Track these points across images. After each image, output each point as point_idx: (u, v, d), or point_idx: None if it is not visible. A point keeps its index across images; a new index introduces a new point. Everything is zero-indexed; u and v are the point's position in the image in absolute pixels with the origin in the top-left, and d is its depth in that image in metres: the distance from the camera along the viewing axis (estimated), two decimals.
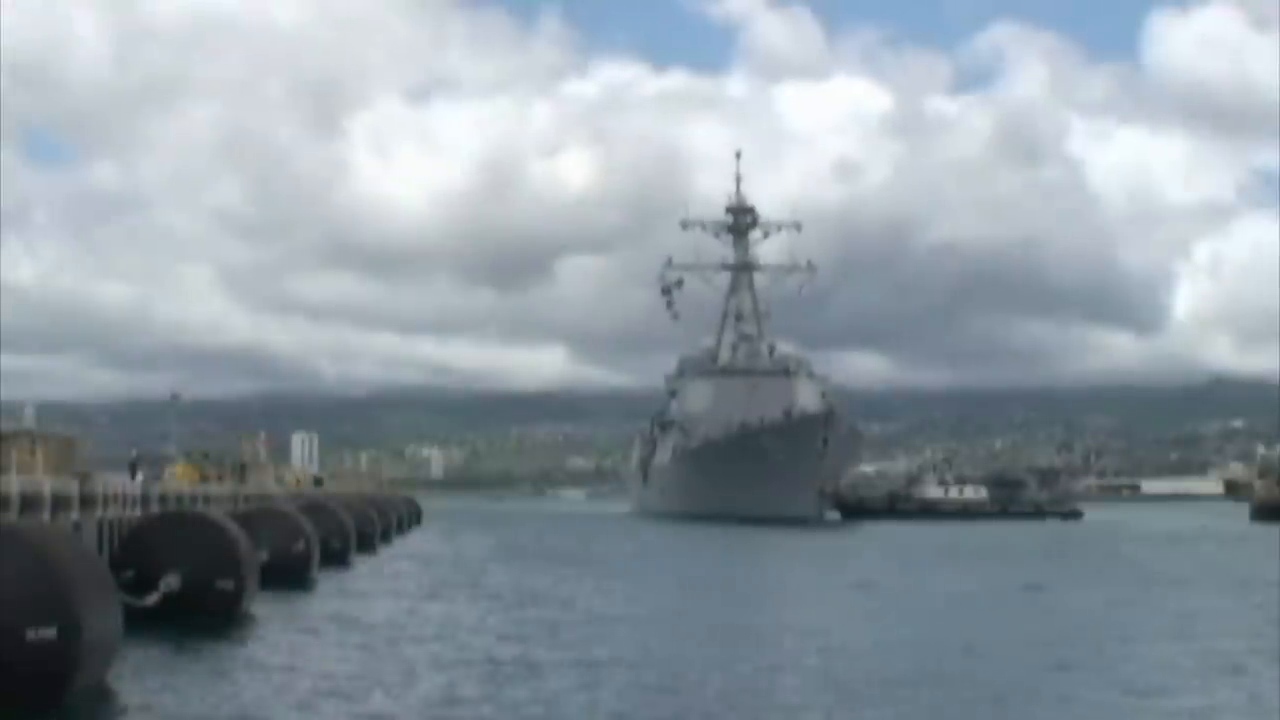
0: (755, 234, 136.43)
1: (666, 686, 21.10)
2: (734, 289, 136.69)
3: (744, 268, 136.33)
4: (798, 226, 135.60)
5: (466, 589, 41.70)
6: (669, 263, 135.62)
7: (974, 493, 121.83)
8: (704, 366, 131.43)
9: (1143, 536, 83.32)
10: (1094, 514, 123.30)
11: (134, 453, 48.40)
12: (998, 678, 22.11)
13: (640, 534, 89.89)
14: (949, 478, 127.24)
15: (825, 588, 42.76)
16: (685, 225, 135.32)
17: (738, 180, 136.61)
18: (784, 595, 39.95)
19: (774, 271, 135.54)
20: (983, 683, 21.58)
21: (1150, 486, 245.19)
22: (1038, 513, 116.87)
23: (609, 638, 27.33)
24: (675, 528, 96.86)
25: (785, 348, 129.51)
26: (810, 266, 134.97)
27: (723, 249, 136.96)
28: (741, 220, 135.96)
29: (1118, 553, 63.20)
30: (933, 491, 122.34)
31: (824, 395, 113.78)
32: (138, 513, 33.18)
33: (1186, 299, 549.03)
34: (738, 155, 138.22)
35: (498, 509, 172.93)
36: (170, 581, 28.32)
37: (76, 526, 27.61)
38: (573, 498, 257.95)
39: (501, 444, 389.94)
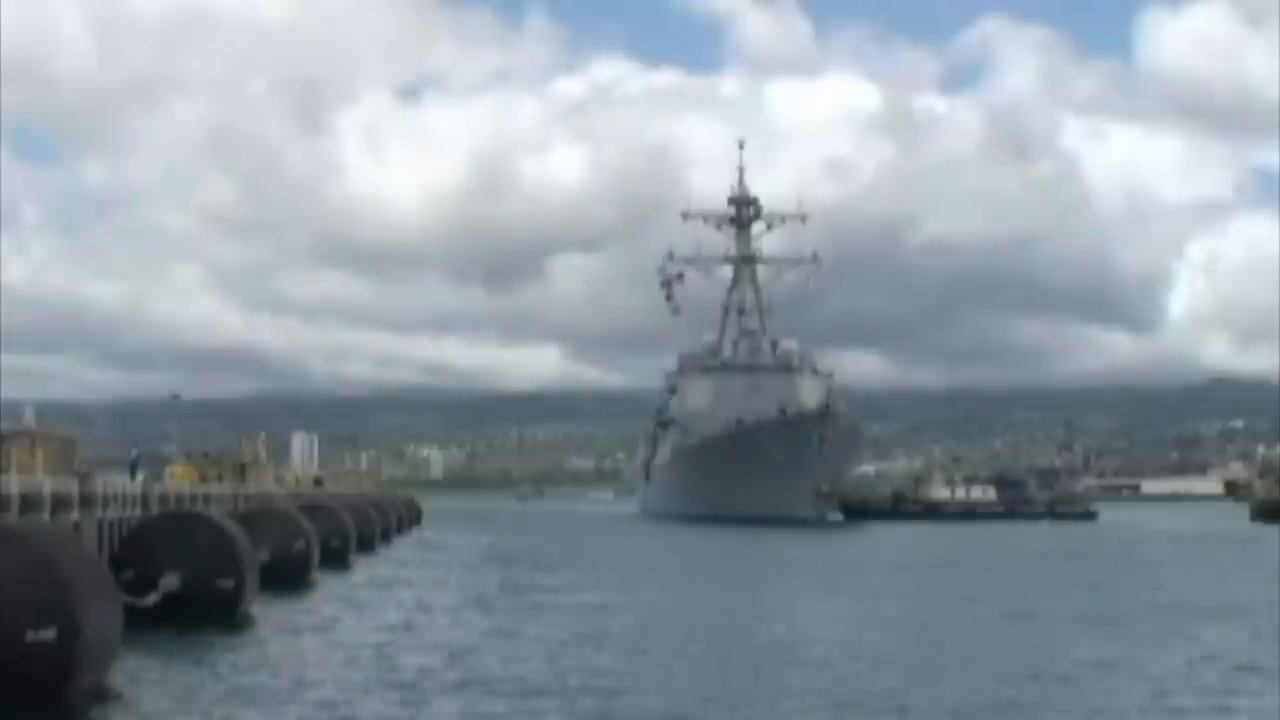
0: (758, 226, 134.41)
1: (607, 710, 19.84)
2: (736, 282, 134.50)
3: (746, 260, 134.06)
4: (802, 218, 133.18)
5: (462, 593, 41.58)
6: (670, 255, 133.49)
7: (982, 493, 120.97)
8: (704, 363, 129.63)
9: (1173, 540, 79.27)
10: (1105, 515, 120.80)
11: (134, 453, 48.27)
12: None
13: (627, 537, 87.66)
14: (957, 477, 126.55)
15: (798, 605, 38.00)
16: (686, 217, 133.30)
17: (740, 171, 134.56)
18: (745, 613, 35.21)
19: (778, 264, 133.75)
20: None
21: (1150, 486, 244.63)
22: (1049, 513, 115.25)
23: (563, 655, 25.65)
24: (669, 529, 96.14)
25: (788, 344, 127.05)
26: (816, 258, 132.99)
27: (724, 242, 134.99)
28: (744, 212, 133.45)
29: (1153, 562, 57.37)
30: (939, 492, 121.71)
31: (829, 392, 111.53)
32: (138, 513, 33.07)
33: (1183, 298, 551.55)
34: (740, 145, 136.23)
35: (515, 510, 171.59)
36: (170, 581, 28.22)
37: (76, 526, 27.50)
38: (601, 498, 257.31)
39: (501, 444, 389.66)
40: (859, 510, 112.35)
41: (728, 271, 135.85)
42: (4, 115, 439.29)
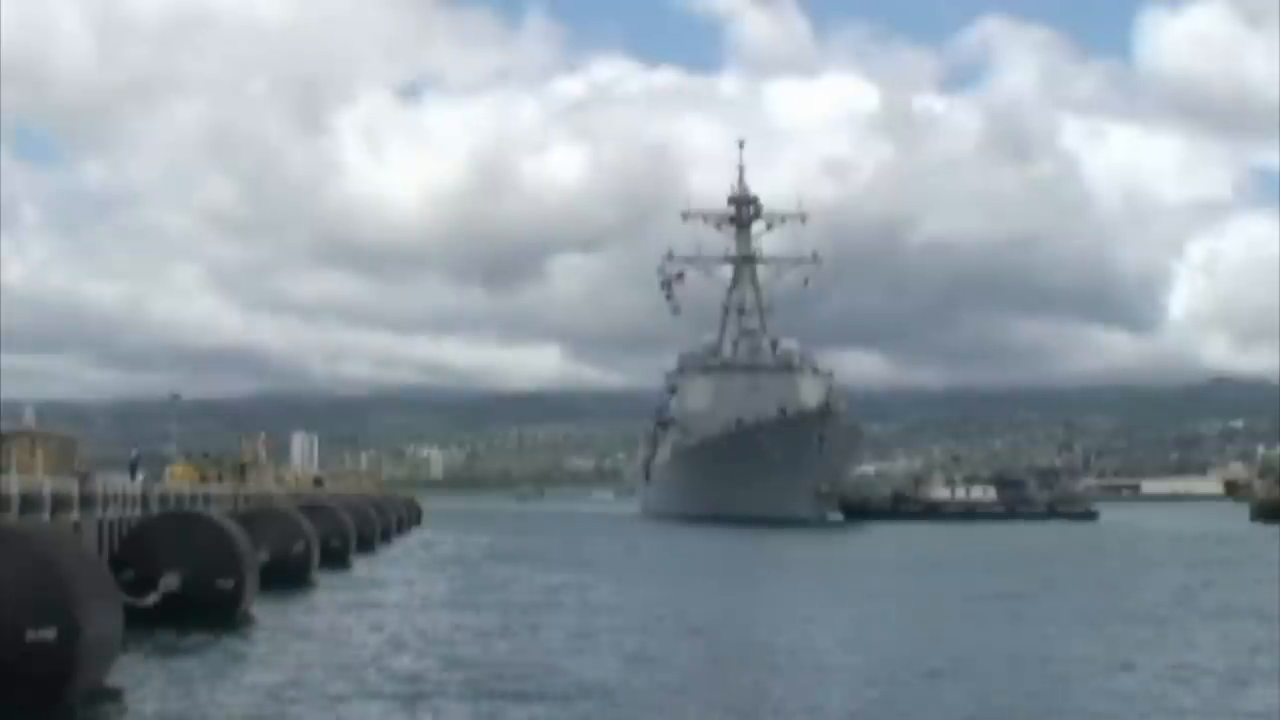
0: (758, 226, 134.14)
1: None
2: (736, 282, 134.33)
3: (746, 260, 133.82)
4: (802, 218, 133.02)
5: (461, 593, 41.53)
6: (670, 255, 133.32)
7: (982, 493, 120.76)
8: (704, 363, 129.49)
9: (1173, 540, 78.30)
10: (1105, 515, 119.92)
11: (134, 453, 48.30)
12: None
13: (627, 537, 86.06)
14: (957, 477, 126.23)
15: (798, 605, 36.97)
16: (686, 217, 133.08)
17: (740, 170, 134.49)
18: (745, 613, 34.74)
19: (778, 264, 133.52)
20: None
21: (1150, 486, 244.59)
22: (1050, 513, 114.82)
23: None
24: (669, 529, 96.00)
25: (788, 344, 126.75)
26: (815, 258, 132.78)
27: (724, 242, 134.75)
28: (744, 211, 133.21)
29: (1153, 562, 57.02)
30: (939, 492, 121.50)
31: (829, 392, 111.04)
32: (138, 513, 33.08)
33: (1183, 298, 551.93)
34: (740, 145, 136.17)
35: (515, 510, 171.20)
36: (170, 581, 28.24)
37: (76, 526, 27.51)
38: (601, 498, 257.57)
39: (501, 444, 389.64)
40: (859, 510, 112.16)
41: (728, 271, 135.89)
42: (4, 115, 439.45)
